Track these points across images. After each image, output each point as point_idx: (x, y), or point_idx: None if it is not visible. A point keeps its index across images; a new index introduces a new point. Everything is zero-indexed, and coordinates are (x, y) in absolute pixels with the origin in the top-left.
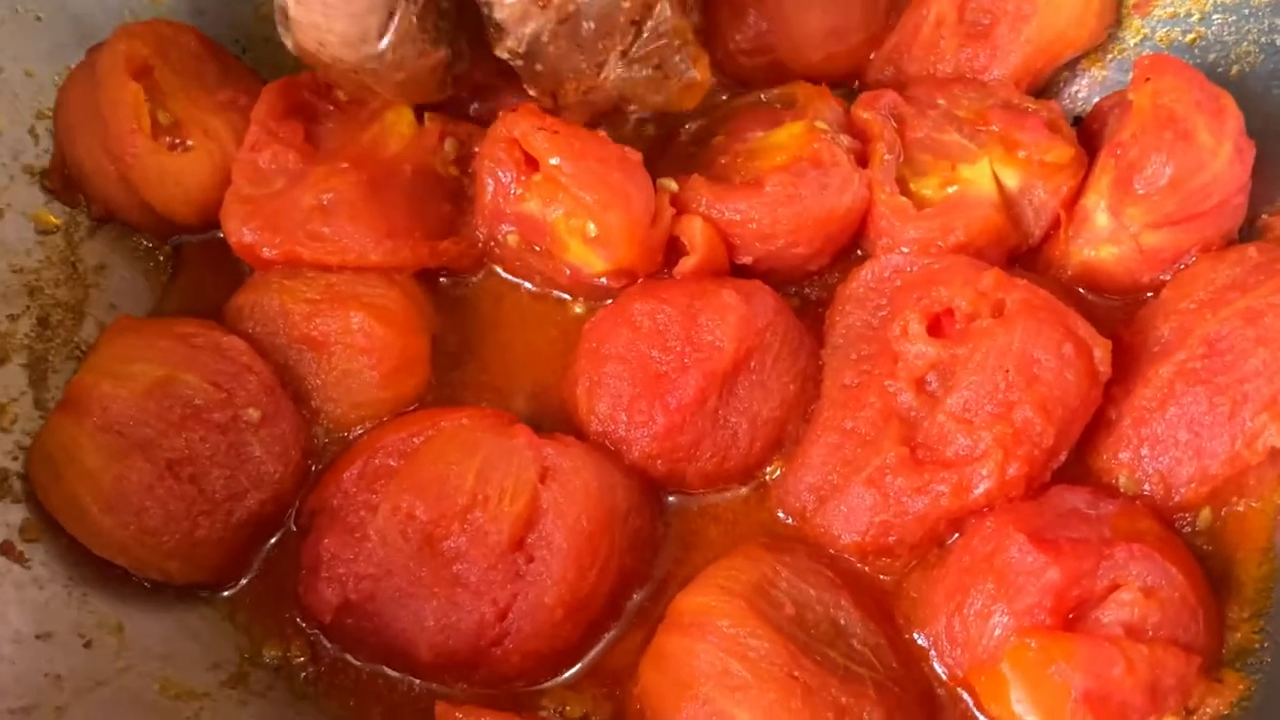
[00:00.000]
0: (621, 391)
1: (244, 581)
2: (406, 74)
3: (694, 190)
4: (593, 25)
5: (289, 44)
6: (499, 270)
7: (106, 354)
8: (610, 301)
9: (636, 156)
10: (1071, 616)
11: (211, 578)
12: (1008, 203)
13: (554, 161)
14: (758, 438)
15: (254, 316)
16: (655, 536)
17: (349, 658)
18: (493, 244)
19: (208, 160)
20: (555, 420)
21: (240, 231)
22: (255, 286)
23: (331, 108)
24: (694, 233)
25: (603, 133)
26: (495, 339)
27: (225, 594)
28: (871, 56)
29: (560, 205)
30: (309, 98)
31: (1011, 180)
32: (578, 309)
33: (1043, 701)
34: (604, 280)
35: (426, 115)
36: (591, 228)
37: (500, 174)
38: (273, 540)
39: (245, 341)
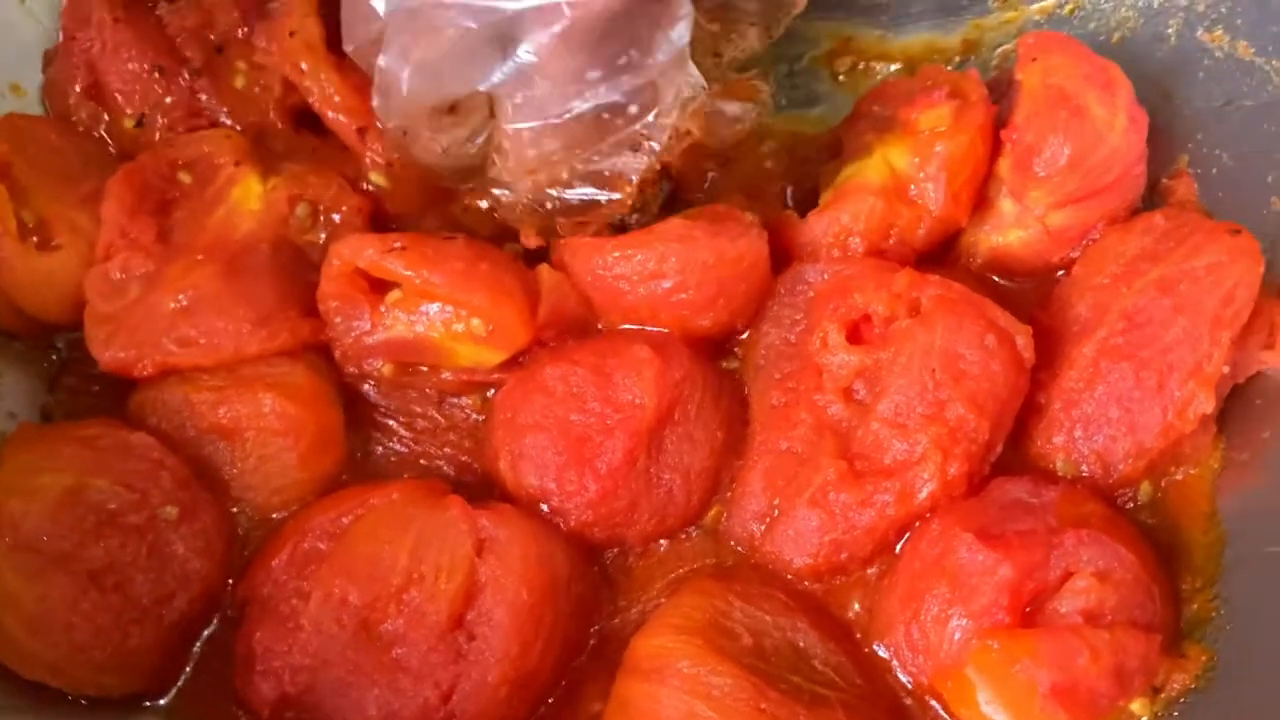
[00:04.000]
0: (547, 461)
1: (181, 682)
2: None
3: (572, 247)
4: None
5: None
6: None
7: (11, 468)
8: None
9: (481, 241)
10: (1029, 610)
11: (150, 685)
12: (900, 184)
13: (422, 278)
14: (694, 490)
15: (157, 411)
16: (598, 600)
17: None
18: (363, 382)
19: (77, 258)
20: (480, 487)
21: (105, 355)
22: (153, 382)
23: (178, 194)
24: (539, 279)
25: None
26: None
27: (164, 700)
28: None
29: (429, 318)
30: (155, 181)
31: (901, 161)
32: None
33: (1011, 700)
34: (496, 374)
35: (270, 181)
36: (479, 325)
37: (352, 313)
38: (205, 633)
39: (153, 438)
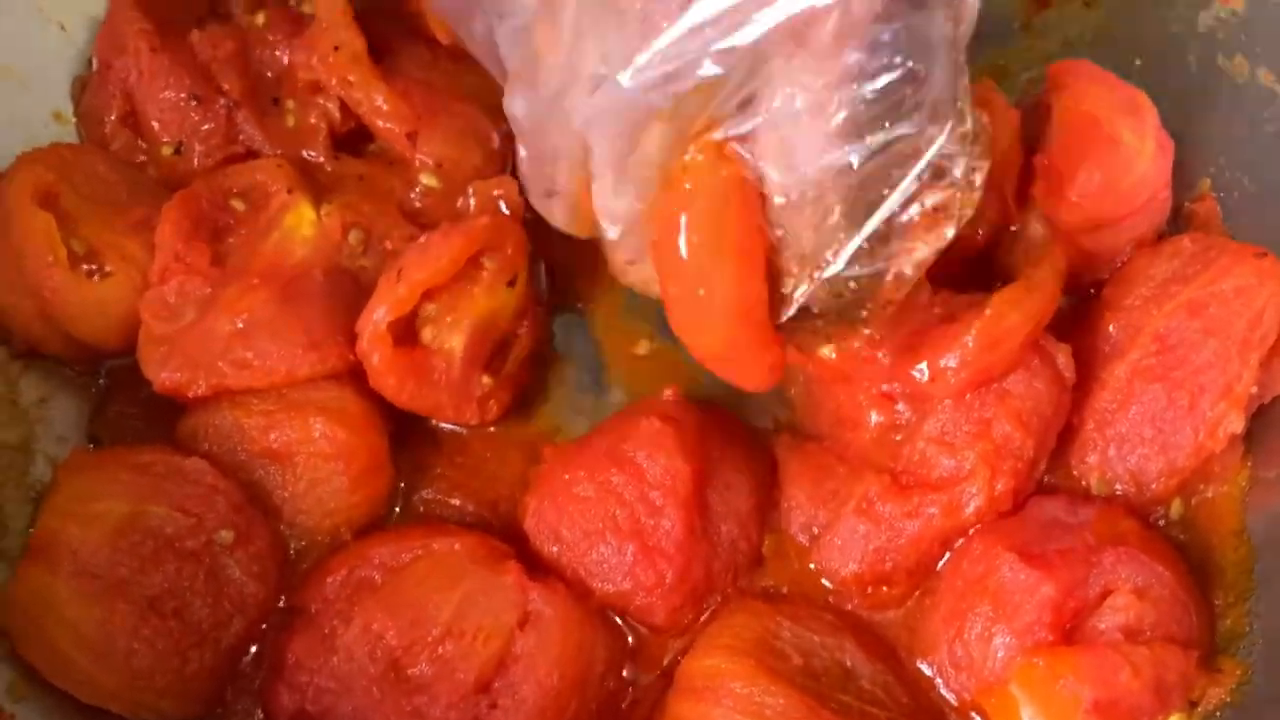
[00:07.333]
0: (613, 567)
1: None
2: None
3: None
4: None
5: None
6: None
7: (67, 495)
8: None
9: None
10: (1069, 627)
11: (206, 710)
12: None
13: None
14: (750, 530)
15: (209, 437)
16: (626, 696)
17: None
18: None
19: (128, 284)
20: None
21: (160, 376)
22: (204, 406)
23: (231, 220)
24: None
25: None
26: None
27: None
28: None
29: (474, 296)
30: (208, 208)
31: None
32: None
33: (1055, 716)
34: None
35: (323, 209)
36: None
37: (427, 376)
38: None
39: (206, 462)
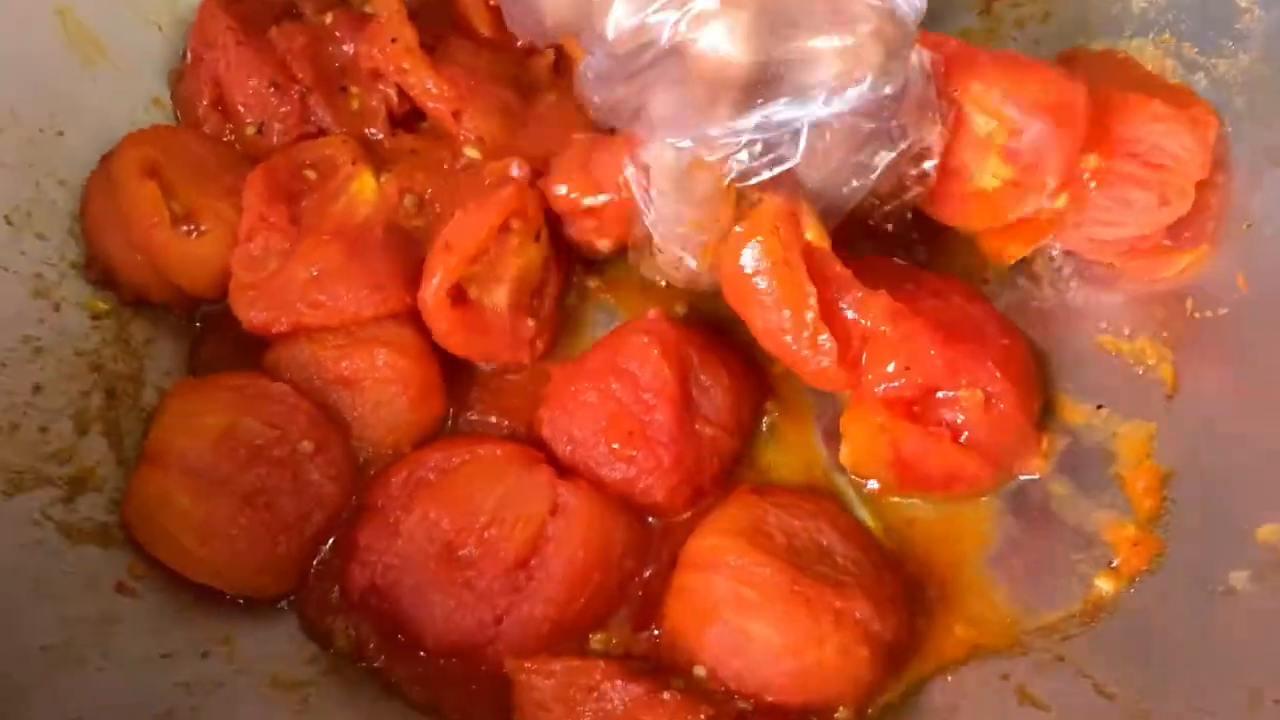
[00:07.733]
0: (621, 458)
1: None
2: None
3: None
4: None
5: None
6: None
7: (175, 411)
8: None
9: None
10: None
11: (293, 587)
12: None
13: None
14: (726, 420)
15: (290, 367)
16: (642, 574)
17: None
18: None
19: (221, 241)
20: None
21: (250, 316)
22: (285, 342)
23: (304, 187)
24: None
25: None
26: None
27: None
28: None
29: (495, 262)
30: (285, 177)
31: None
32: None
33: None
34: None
35: (382, 177)
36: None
37: (529, 303)
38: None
39: (288, 387)
